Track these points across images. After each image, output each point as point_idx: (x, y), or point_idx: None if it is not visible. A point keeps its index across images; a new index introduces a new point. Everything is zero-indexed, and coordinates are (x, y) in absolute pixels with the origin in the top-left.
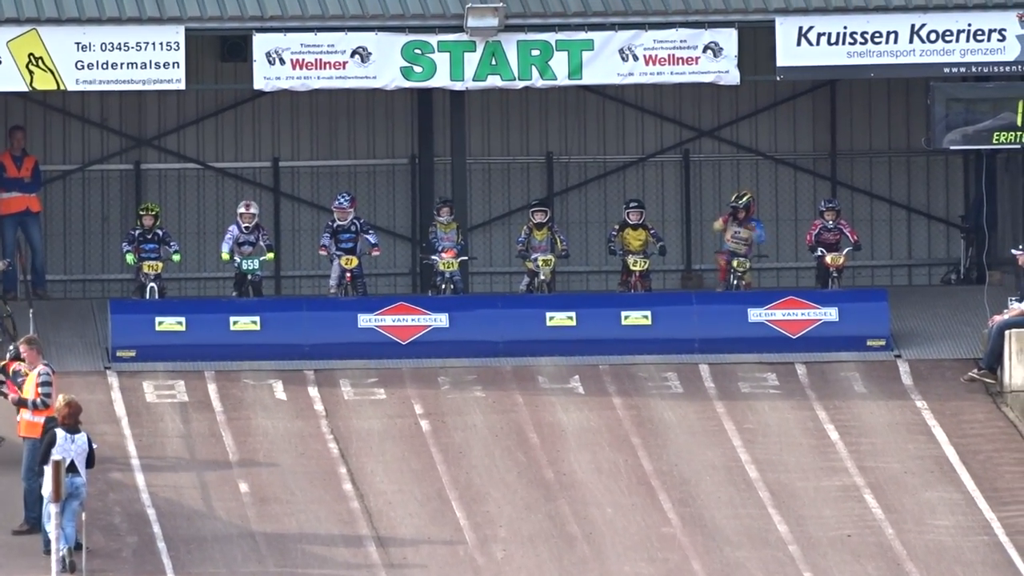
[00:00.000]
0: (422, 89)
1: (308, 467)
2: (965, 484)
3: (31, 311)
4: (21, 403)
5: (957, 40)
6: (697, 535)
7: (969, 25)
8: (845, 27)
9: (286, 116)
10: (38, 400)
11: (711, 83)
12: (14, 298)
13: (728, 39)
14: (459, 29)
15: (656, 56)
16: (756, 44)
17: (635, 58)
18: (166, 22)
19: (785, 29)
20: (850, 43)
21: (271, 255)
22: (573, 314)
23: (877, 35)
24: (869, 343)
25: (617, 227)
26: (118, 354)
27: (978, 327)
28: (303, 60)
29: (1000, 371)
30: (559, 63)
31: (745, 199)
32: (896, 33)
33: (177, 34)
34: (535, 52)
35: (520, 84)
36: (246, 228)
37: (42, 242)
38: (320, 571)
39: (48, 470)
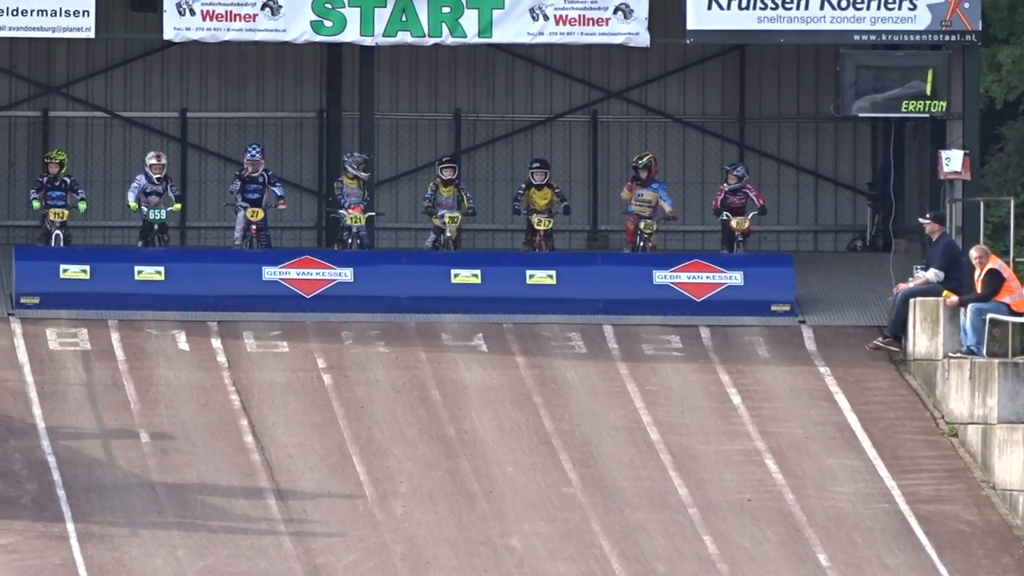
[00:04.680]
0: (332, 44)
1: (209, 418)
2: (866, 451)
3: None
4: None
5: (868, 8)
6: (597, 496)
7: None
8: None
9: (195, 67)
10: None
11: (621, 45)
12: None
13: (639, 1)
14: None
15: (566, 16)
16: (667, 6)
17: (545, 17)
18: None
19: None
20: (761, 8)
21: (178, 206)
22: (478, 272)
23: (788, 1)
24: (773, 308)
25: (523, 186)
26: (22, 300)
27: (883, 295)
28: (213, 12)
29: (904, 339)
30: (469, 20)
31: (645, 160)
32: None
33: None
34: (445, 9)
35: (430, 41)
36: (156, 179)
37: None
38: (220, 523)
39: None
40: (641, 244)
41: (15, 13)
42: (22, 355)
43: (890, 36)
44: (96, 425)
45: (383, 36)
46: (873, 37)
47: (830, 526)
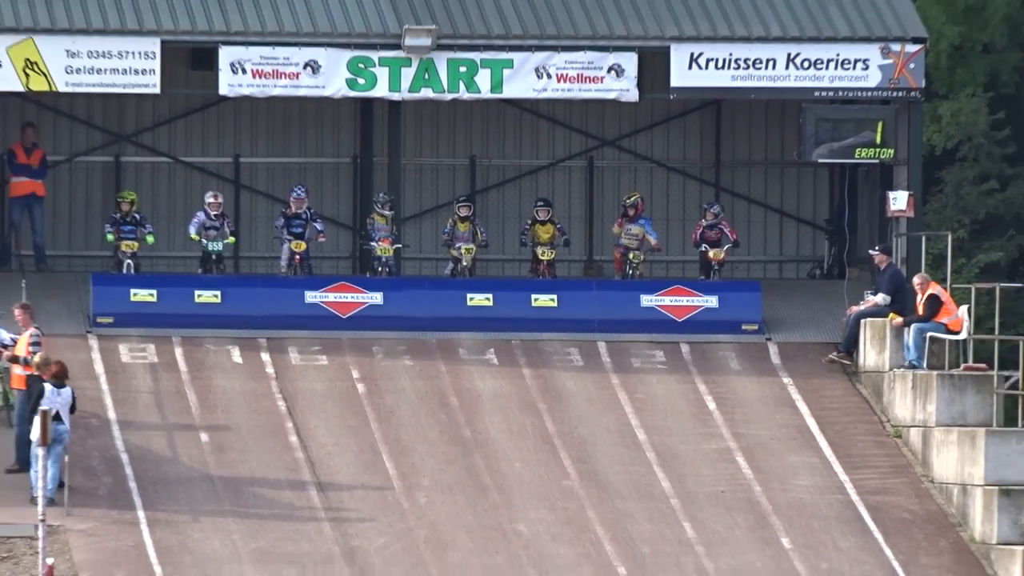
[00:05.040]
0: (364, 98)
1: (260, 421)
2: (823, 450)
3: (23, 281)
4: (14, 360)
5: (827, 68)
6: (592, 488)
7: (837, 55)
8: (730, 54)
9: (246, 118)
10: (28, 357)
11: (614, 99)
12: (9, 270)
13: (629, 62)
14: (397, 47)
15: (567, 75)
16: (653, 67)
17: (549, 76)
18: (144, 34)
19: (679, 54)
20: (734, 68)
21: (232, 239)
22: (490, 296)
23: (758, 62)
24: (744, 327)
25: (529, 222)
26: (98, 320)
27: (838, 316)
28: (262, 70)
29: (856, 354)
30: (483, 78)
31: (633, 199)
32: (774, 60)
33: (154, 45)
34: (463, 69)
35: (449, 96)
36: (214, 215)
37: (43, 223)
38: (269, 510)
39: (37, 419)
40: (630, 272)
41: (92, 72)
42: (98, 367)
43: (846, 92)
44: (162, 426)
45: (408, 92)
46: (831, 93)
47: (792, 514)
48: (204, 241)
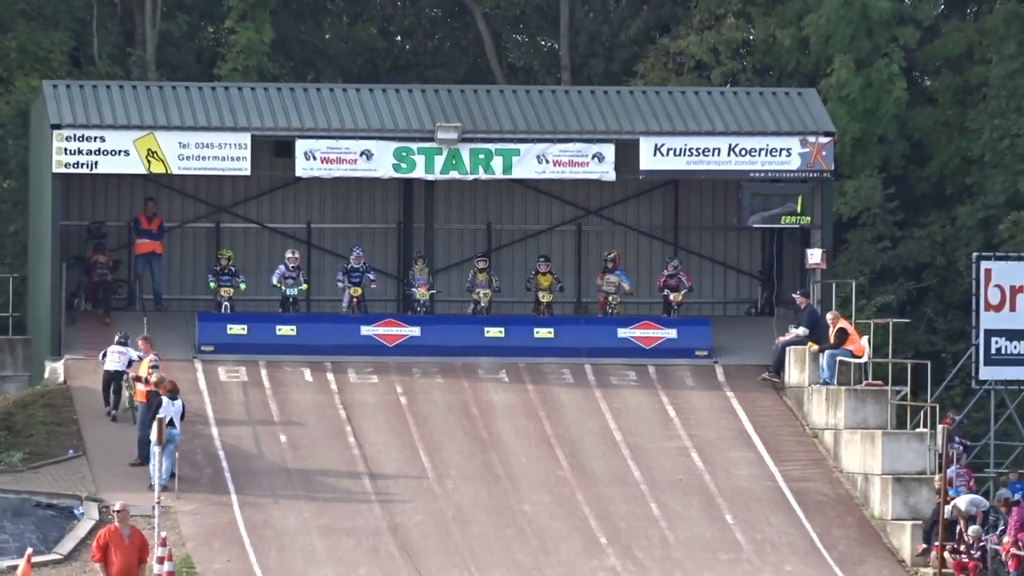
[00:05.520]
0: (406, 179)
1: (325, 426)
2: (757, 447)
3: (145, 319)
4: (137, 379)
5: (759, 155)
6: (580, 477)
7: (767, 144)
8: (686, 144)
9: (316, 194)
10: (149, 377)
11: (596, 179)
12: (134, 310)
13: (608, 150)
14: (431, 139)
15: (561, 160)
16: (627, 154)
17: (547, 161)
18: (238, 130)
19: (646, 145)
20: (689, 156)
21: (306, 286)
22: (502, 329)
23: (706, 150)
24: (696, 353)
25: (533, 273)
26: (202, 348)
27: (768, 344)
28: (329, 157)
29: (783, 374)
30: (497, 163)
31: (612, 255)
32: (719, 149)
33: (245, 138)
34: (481, 156)
35: (471, 177)
36: (292, 268)
37: (161, 274)
38: (332, 494)
39: (155, 424)
40: (609, 311)
41: (198, 159)
42: (202, 384)
43: (773, 173)
44: (251, 431)
45: (440, 174)
46: (763, 174)
47: (734, 497)
48: (283, 288)
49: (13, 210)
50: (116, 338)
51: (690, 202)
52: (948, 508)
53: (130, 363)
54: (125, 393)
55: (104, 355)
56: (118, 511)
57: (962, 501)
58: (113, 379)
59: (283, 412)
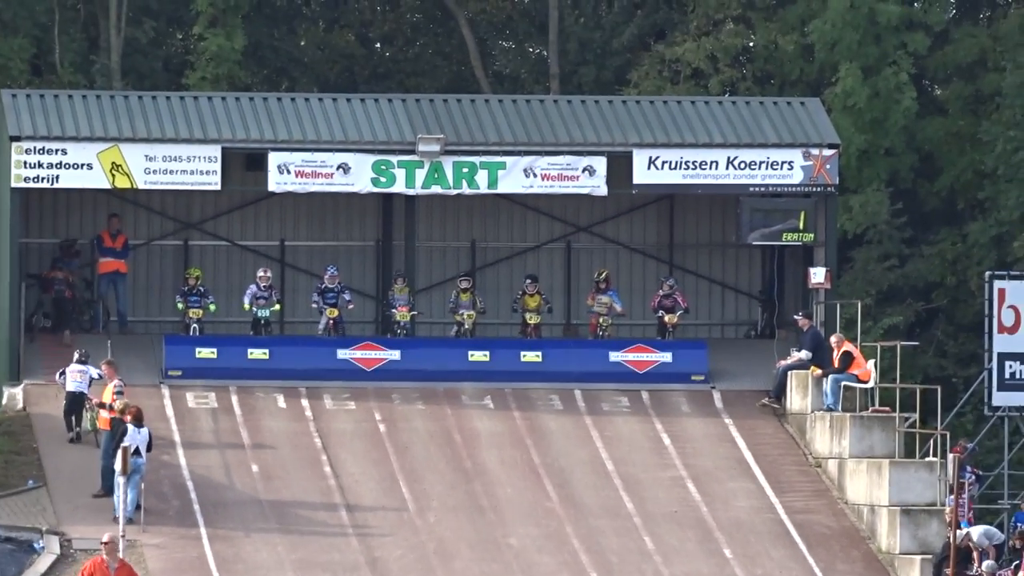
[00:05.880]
0: (385, 193)
1: (300, 455)
2: (757, 477)
3: (109, 341)
4: (101, 405)
5: (759, 168)
6: (570, 509)
7: (768, 157)
8: (681, 157)
9: (290, 210)
10: (113, 403)
11: (587, 194)
12: (98, 332)
13: (599, 164)
14: (412, 152)
15: (549, 174)
16: (619, 167)
17: (535, 175)
18: (208, 142)
19: (639, 158)
20: (684, 169)
21: (278, 307)
22: (487, 352)
23: (703, 163)
24: (693, 378)
25: (520, 293)
26: (169, 373)
27: (769, 369)
28: (303, 171)
29: (784, 399)
30: (481, 177)
31: (603, 275)
32: (717, 162)
33: (215, 151)
34: (465, 169)
35: (454, 191)
36: (264, 288)
37: (126, 295)
38: (307, 527)
39: (119, 453)
40: (601, 333)
41: (165, 172)
42: (169, 411)
43: (774, 187)
44: (221, 459)
45: (421, 188)
46: (763, 188)
47: (732, 530)
48: (255, 309)
49: None
50: (76, 356)
51: (686, 218)
52: (960, 534)
53: (91, 382)
54: (87, 415)
55: (63, 374)
56: (106, 543)
57: (975, 532)
58: (75, 401)
59: (255, 440)
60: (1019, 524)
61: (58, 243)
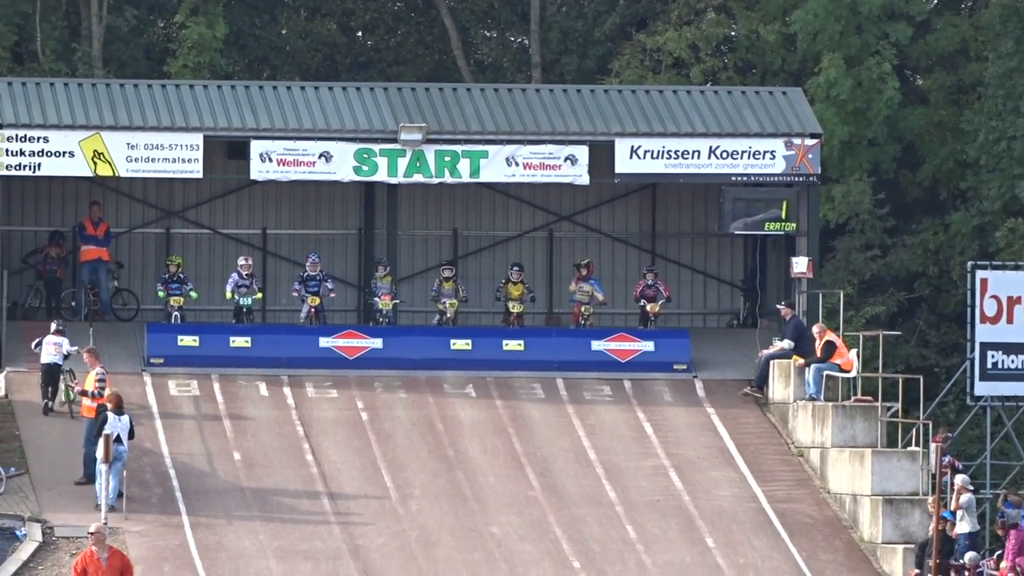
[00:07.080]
0: (367, 182)
1: (282, 443)
2: (739, 466)
3: (91, 329)
4: (83, 393)
5: (741, 157)
6: (552, 497)
7: (750, 147)
8: (663, 146)
9: (272, 198)
10: (95, 391)
11: (569, 183)
12: (79, 320)
13: (582, 153)
14: (394, 141)
15: (531, 163)
16: (601, 156)
17: (517, 164)
18: (190, 130)
19: (622, 147)
20: (667, 158)
21: (260, 295)
22: (469, 341)
23: (686, 153)
24: (675, 367)
25: (503, 282)
26: (151, 361)
27: (751, 358)
28: (285, 159)
29: (766, 389)
30: (463, 166)
31: (585, 263)
32: (699, 151)
33: (197, 139)
34: (447, 158)
35: (436, 180)
36: (245, 275)
37: (108, 282)
38: (289, 515)
39: (101, 441)
40: (583, 322)
41: (147, 160)
42: (151, 399)
43: (757, 177)
44: (203, 447)
45: (403, 177)
46: (745, 177)
47: (715, 519)
48: (237, 297)
49: None
50: (53, 326)
51: (668, 207)
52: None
53: (67, 356)
54: (61, 385)
55: (39, 344)
56: (93, 533)
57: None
58: (51, 372)
59: (237, 428)
60: (1006, 512)
61: (49, 233)
